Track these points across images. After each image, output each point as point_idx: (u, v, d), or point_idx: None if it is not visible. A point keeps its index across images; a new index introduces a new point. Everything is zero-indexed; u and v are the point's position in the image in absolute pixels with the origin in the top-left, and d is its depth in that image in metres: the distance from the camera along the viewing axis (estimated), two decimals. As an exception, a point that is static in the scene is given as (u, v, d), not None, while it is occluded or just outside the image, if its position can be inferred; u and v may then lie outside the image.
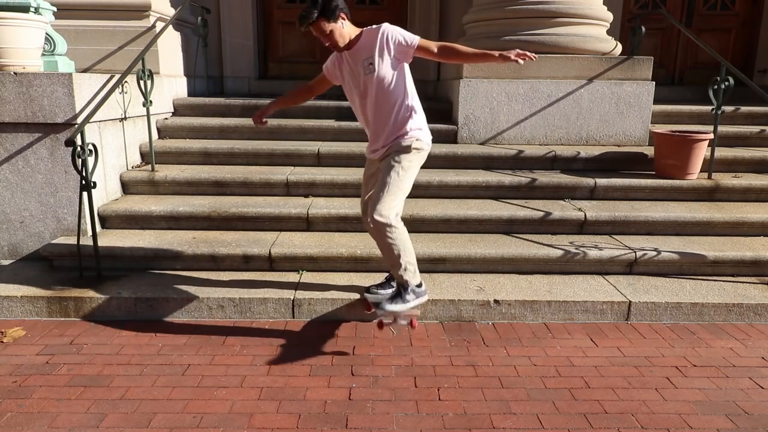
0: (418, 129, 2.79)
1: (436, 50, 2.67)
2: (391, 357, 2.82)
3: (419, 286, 2.88)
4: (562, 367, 2.76)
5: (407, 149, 2.74)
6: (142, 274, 3.53)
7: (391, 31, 2.65)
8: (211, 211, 3.91)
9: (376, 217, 2.66)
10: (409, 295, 2.82)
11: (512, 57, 2.58)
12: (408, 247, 2.78)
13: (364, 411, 2.37)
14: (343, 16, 2.64)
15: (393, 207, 2.70)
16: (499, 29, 5.08)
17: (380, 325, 3.00)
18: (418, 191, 4.29)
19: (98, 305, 3.21)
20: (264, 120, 3.08)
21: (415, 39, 2.66)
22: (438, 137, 5.02)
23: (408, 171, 2.75)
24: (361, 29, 2.73)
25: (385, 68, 2.66)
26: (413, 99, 2.79)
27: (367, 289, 3.24)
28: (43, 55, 4.12)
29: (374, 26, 2.70)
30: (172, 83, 5.41)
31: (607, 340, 3.06)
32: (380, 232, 2.69)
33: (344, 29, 2.66)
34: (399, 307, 2.79)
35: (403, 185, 2.74)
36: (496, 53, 2.62)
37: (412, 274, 2.82)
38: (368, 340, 3.00)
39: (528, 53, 2.57)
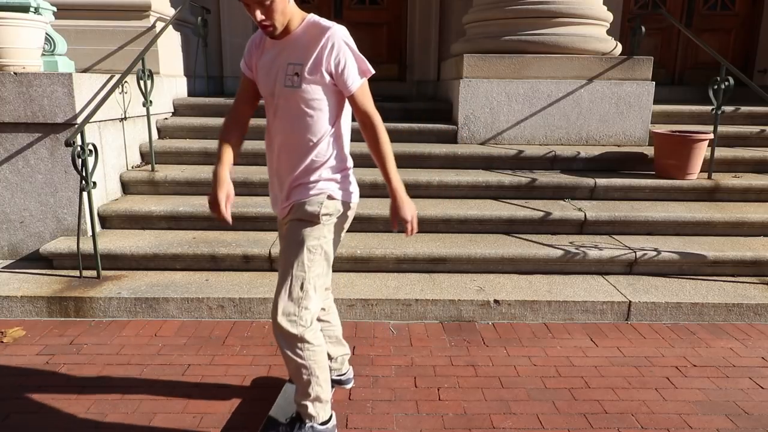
0: (332, 181, 1.96)
1: (359, 116, 1.93)
2: (391, 357, 2.82)
3: (326, 422, 2.10)
4: (562, 367, 2.76)
5: (314, 218, 1.93)
6: (142, 274, 3.53)
7: (338, 46, 1.82)
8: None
9: (281, 321, 1.89)
10: None
11: (394, 225, 1.98)
12: (323, 371, 2.00)
13: (364, 411, 2.37)
14: None
15: (305, 306, 1.91)
16: (499, 29, 5.08)
17: None
18: (419, 191, 4.29)
19: (98, 305, 3.22)
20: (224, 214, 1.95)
21: (355, 83, 1.86)
22: (438, 137, 5.04)
23: (316, 253, 1.94)
24: (305, 15, 1.89)
25: (313, 89, 1.85)
26: (340, 142, 1.99)
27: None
28: (43, 55, 4.12)
29: (322, 22, 1.86)
30: (172, 83, 5.41)
31: (607, 340, 3.06)
32: (286, 341, 1.93)
33: (288, 5, 1.82)
34: None
35: (313, 272, 1.93)
36: (393, 188, 1.94)
37: (321, 407, 2.06)
38: (368, 340, 3.00)
39: (408, 228, 1.96)
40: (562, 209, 4.07)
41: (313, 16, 1.89)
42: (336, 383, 2.50)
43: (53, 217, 3.82)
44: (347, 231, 3.91)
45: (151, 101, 4.27)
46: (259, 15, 1.77)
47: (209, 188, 4.28)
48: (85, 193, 3.39)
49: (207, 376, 2.63)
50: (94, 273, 3.47)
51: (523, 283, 3.49)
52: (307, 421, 2.07)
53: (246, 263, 3.59)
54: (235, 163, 4.67)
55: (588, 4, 4.95)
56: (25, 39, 3.72)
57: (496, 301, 3.27)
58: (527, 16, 4.96)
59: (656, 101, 5.59)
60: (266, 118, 2.02)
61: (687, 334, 3.14)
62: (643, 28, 5.18)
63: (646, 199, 4.38)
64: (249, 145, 4.71)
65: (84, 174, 3.28)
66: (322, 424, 2.09)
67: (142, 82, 4.17)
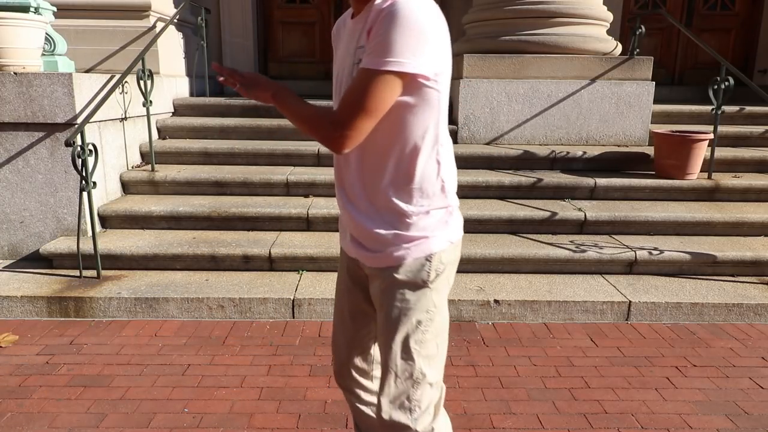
0: (426, 231, 1.32)
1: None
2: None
3: None
4: (562, 367, 2.76)
5: (419, 284, 1.33)
6: (142, 274, 3.53)
7: (385, 19, 1.14)
8: (211, 211, 3.91)
9: (395, 418, 1.35)
10: None
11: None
12: None
13: (364, 411, 2.37)
14: None
15: (425, 403, 1.36)
16: (499, 29, 5.08)
17: None
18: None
19: (98, 305, 3.21)
20: None
21: (383, 63, 1.14)
22: (438, 137, 5.04)
23: (434, 321, 1.36)
24: None
25: None
26: (433, 155, 1.29)
27: None
28: (43, 55, 4.12)
29: None
30: (172, 83, 5.41)
31: (607, 340, 3.06)
32: None
33: None
34: None
35: (430, 350, 1.36)
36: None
37: None
38: (368, 340, 2.99)
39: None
40: (562, 209, 4.07)
41: None
42: None
43: (53, 217, 3.82)
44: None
45: (151, 101, 4.27)
46: None
47: (209, 188, 4.28)
48: (85, 193, 3.39)
49: (207, 376, 2.63)
50: (94, 273, 3.47)
51: (523, 283, 3.49)
52: None
53: (246, 263, 3.59)
54: (238, 164, 4.69)
55: (588, 4, 4.95)
56: (25, 39, 3.72)
57: (496, 301, 3.26)
58: (527, 16, 4.96)
59: (656, 101, 5.58)
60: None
61: (687, 334, 3.14)
62: (643, 28, 5.18)
63: (646, 199, 4.37)
64: (249, 144, 4.71)
65: (84, 174, 3.28)
66: None
67: (142, 82, 4.17)
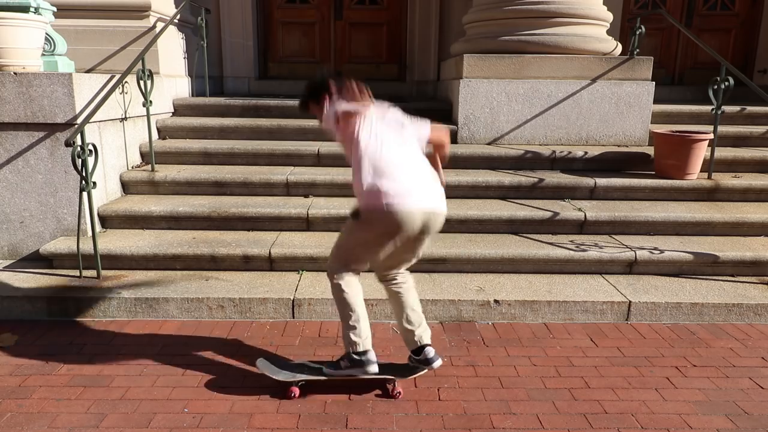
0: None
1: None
2: (391, 357, 2.82)
3: (362, 353, 2.45)
4: (562, 367, 2.76)
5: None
6: (142, 274, 3.53)
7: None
8: (211, 211, 3.91)
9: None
10: (343, 361, 2.48)
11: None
12: (351, 310, 2.50)
13: (364, 411, 2.37)
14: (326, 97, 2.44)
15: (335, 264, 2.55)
16: (499, 29, 5.08)
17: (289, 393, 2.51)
18: (418, 191, 4.28)
19: (98, 305, 3.21)
20: None
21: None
22: (438, 137, 5.04)
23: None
24: None
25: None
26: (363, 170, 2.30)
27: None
28: (43, 55, 4.12)
29: None
30: (172, 83, 5.41)
31: (607, 340, 3.06)
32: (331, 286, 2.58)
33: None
34: (330, 372, 2.53)
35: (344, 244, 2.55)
36: None
37: (348, 341, 2.46)
38: (368, 340, 2.99)
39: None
40: (562, 209, 4.07)
41: None
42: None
43: (53, 217, 3.82)
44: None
45: (151, 101, 4.27)
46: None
47: (209, 188, 4.28)
48: (85, 193, 3.39)
49: (206, 376, 2.63)
50: (94, 273, 3.47)
51: (523, 283, 3.49)
52: (346, 353, 2.47)
53: (246, 263, 3.59)
54: (238, 164, 4.69)
55: (588, 4, 4.95)
56: (25, 39, 3.72)
57: (496, 301, 3.27)
58: (527, 16, 4.96)
59: (656, 101, 5.58)
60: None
61: (687, 334, 3.14)
62: (643, 28, 5.18)
63: (646, 199, 4.38)
64: (249, 144, 4.71)
65: (84, 174, 3.28)
66: (359, 353, 2.44)
67: (142, 83, 4.17)
